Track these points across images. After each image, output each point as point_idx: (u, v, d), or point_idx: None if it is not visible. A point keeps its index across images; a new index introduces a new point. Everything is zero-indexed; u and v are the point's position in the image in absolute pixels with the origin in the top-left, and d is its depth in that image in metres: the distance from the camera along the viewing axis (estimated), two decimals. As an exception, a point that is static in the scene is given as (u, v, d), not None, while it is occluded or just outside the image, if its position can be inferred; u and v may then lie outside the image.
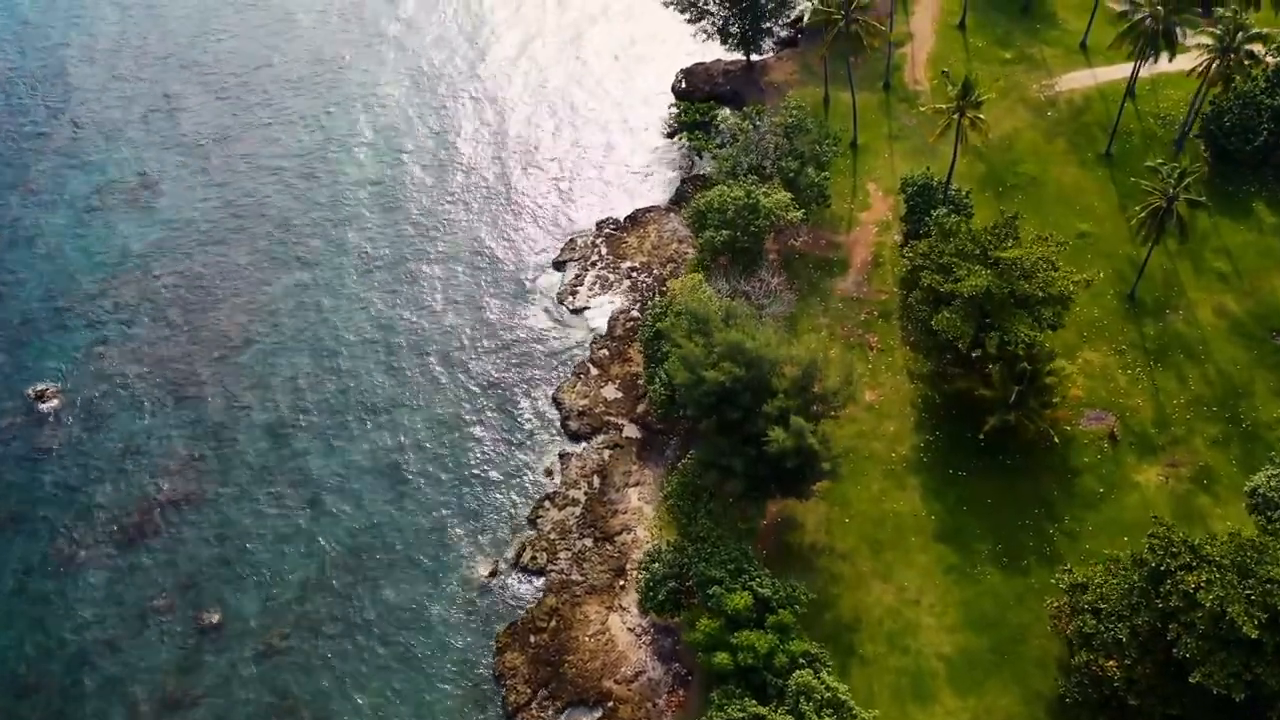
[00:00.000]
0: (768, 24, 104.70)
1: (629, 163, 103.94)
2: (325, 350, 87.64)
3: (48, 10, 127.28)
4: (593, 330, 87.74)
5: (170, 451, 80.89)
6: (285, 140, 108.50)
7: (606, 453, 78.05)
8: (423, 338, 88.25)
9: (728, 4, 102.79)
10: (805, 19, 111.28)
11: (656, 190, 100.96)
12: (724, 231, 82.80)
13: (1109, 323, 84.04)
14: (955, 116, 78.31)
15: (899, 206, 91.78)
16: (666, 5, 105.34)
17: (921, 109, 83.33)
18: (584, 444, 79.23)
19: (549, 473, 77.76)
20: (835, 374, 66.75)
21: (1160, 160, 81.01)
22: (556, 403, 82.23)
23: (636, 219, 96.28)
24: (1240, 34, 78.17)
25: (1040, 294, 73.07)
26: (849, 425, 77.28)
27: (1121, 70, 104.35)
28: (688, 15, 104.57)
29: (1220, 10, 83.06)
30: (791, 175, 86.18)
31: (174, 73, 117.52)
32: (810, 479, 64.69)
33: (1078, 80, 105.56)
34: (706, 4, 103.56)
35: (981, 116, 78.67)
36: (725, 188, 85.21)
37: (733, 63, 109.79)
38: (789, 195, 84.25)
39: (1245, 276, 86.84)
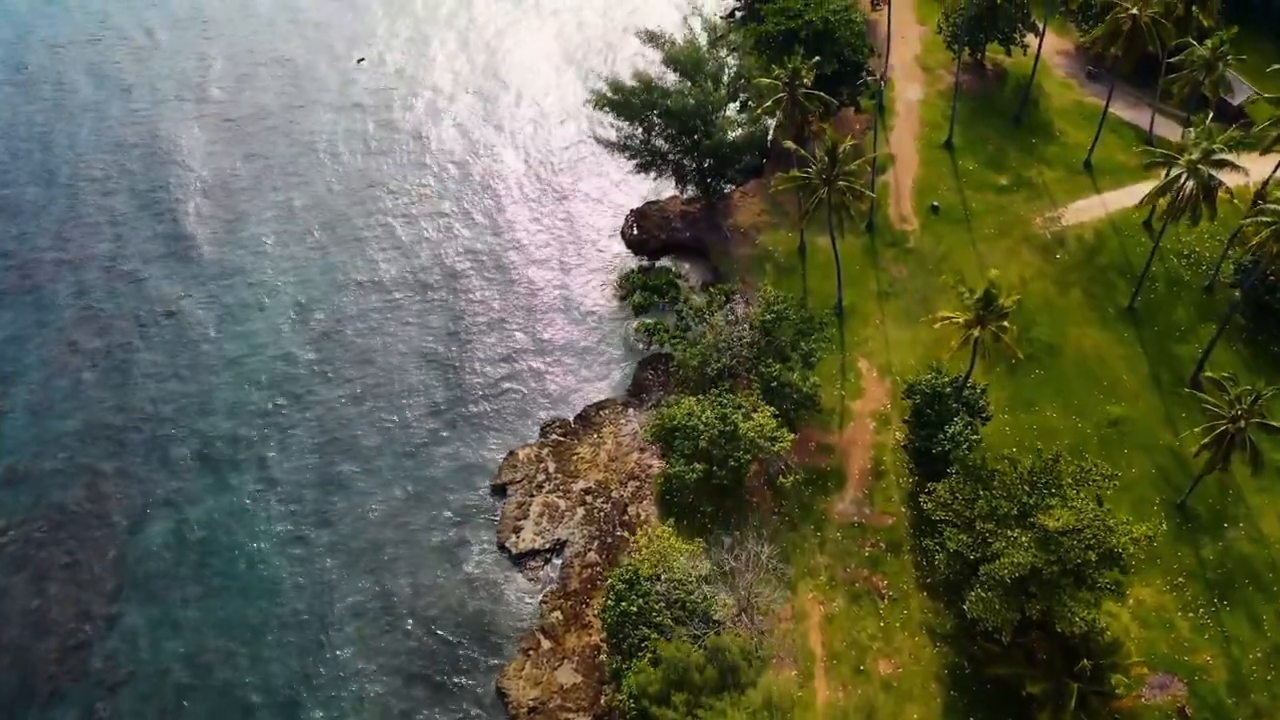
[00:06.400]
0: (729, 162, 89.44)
1: (575, 339, 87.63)
2: (207, 627, 70.55)
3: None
4: (542, 582, 71.92)
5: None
6: (168, 308, 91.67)
7: (567, 769, 62.54)
8: (332, 609, 70.88)
9: (681, 144, 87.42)
10: (770, 133, 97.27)
11: (610, 372, 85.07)
12: (697, 466, 67.71)
13: (1159, 544, 70.19)
14: (974, 331, 63.70)
15: (897, 393, 77.46)
16: (611, 150, 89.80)
17: (935, 326, 68.67)
18: (538, 757, 63.59)
19: (496, 808, 62.08)
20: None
21: (1228, 378, 66.87)
22: (501, 694, 66.29)
23: (588, 419, 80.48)
24: (1306, 212, 64.80)
25: (1094, 556, 58.99)
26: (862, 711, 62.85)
27: (1134, 194, 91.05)
28: (636, 161, 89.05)
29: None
30: (773, 383, 71.10)
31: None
32: None
33: (1086, 210, 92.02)
34: (656, 145, 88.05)
35: (1007, 325, 64.24)
36: (695, 404, 70.12)
37: (691, 201, 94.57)
38: (772, 414, 69.19)
39: (1308, 469, 73.85)
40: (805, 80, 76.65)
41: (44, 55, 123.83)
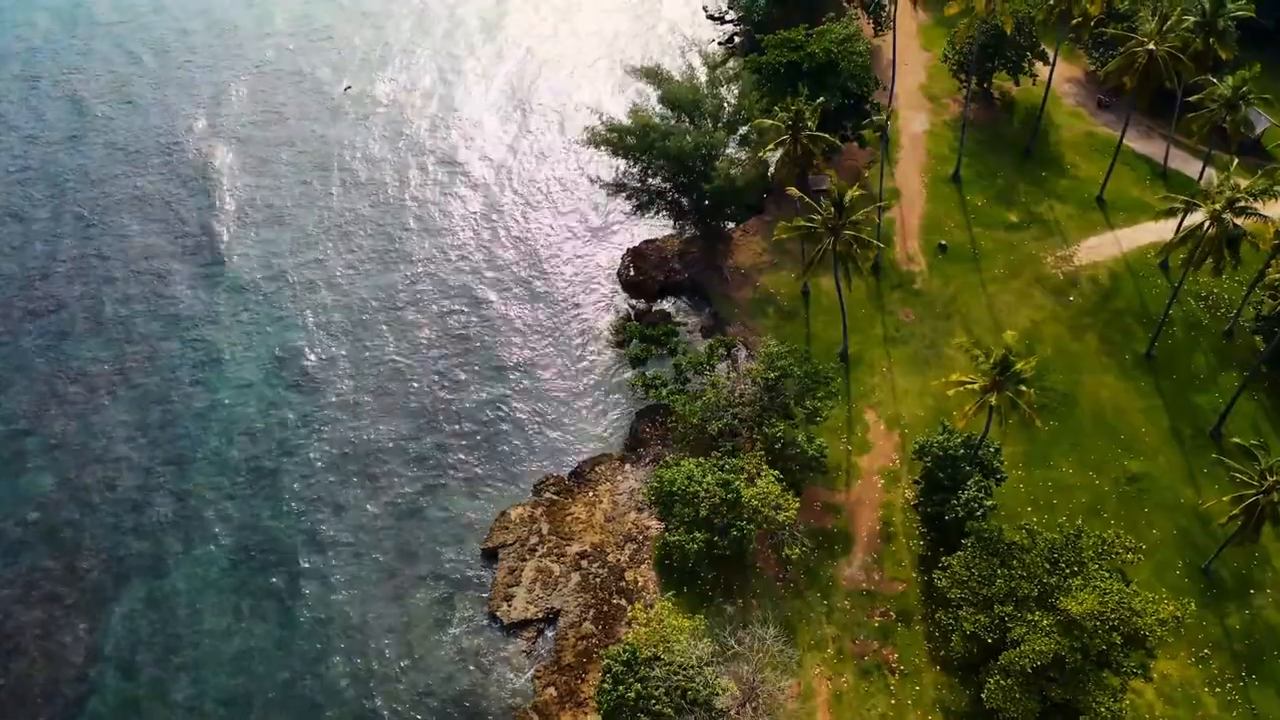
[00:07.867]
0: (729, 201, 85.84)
1: (570, 389, 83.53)
2: (183, 704, 66.76)
3: None
4: (534, 655, 68.35)
5: None
6: (145, 356, 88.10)
7: None
8: (311, 684, 66.75)
9: (679, 184, 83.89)
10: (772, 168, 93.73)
11: (606, 425, 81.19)
12: (698, 535, 64.28)
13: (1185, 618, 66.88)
14: (989, 397, 60.27)
15: (907, 447, 74.10)
16: (607, 189, 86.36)
17: (950, 393, 65.23)
18: None
19: None
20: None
21: (1257, 445, 63.20)
22: (492, 781, 63.09)
23: (583, 476, 76.88)
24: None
25: (1119, 639, 55.70)
26: (874, 801, 59.55)
27: (1149, 231, 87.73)
28: (633, 200, 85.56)
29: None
30: (777, 444, 67.67)
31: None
32: None
33: (1100, 248, 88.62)
34: (653, 184, 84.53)
35: (1025, 389, 60.81)
36: (695, 467, 66.64)
37: (690, 240, 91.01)
38: (776, 478, 65.72)
39: (1336, 529, 70.55)
40: (809, 124, 73.27)
41: (53, 71, 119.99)
